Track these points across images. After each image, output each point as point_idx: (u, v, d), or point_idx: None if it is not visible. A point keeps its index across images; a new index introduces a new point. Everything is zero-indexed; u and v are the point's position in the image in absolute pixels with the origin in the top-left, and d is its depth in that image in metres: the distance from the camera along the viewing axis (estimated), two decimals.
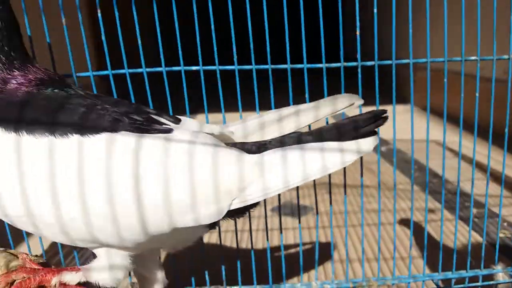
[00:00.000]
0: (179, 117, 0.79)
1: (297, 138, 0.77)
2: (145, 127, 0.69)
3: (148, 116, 0.73)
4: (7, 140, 0.63)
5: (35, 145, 0.63)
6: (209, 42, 0.90)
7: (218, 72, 0.95)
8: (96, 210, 0.64)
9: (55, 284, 0.70)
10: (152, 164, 0.66)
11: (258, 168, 0.70)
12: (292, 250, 1.39)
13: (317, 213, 1.06)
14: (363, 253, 1.07)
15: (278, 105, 0.85)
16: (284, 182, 0.70)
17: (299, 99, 0.89)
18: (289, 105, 0.85)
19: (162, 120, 0.74)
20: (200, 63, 0.93)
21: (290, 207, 1.75)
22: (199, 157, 0.69)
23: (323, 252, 1.30)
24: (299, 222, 1.06)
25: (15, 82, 0.70)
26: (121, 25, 0.90)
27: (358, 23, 0.93)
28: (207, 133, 0.75)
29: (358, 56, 0.95)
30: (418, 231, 1.40)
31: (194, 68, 0.95)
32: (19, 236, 1.06)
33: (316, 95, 0.88)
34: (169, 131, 0.70)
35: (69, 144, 0.64)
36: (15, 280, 0.71)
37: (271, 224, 1.53)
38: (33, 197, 0.63)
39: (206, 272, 1.04)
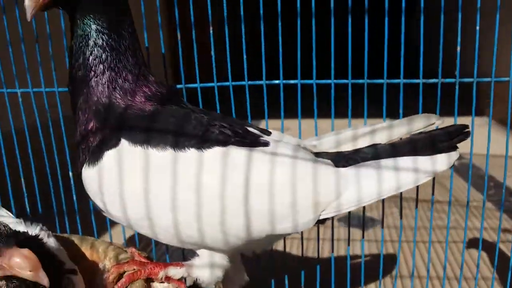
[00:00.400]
0: (264, 129, 0.84)
1: (381, 152, 0.77)
2: (247, 140, 0.75)
3: (245, 128, 0.78)
4: (135, 152, 0.71)
5: (159, 157, 0.71)
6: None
7: (299, 86, 0.97)
8: (209, 218, 0.71)
9: (162, 277, 0.78)
10: (261, 177, 0.72)
11: (352, 180, 0.73)
12: (357, 261, 1.39)
13: (382, 227, 1.06)
14: (428, 271, 1.05)
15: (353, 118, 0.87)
16: (377, 193, 0.73)
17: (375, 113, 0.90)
18: (363, 118, 0.87)
19: (256, 132, 0.80)
20: (281, 77, 0.97)
21: (357, 218, 1.74)
22: (301, 170, 0.73)
23: (388, 267, 1.30)
24: (363, 236, 1.07)
25: (142, 95, 0.77)
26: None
27: (459, 39, 0.92)
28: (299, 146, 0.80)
29: (457, 72, 0.93)
30: (489, 251, 1.35)
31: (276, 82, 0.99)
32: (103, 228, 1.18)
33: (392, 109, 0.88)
34: (267, 143, 0.76)
35: (188, 158, 0.71)
36: (125, 271, 0.79)
37: (337, 234, 1.54)
38: (154, 203, 0.71)
39: (273, 281, 1.07)
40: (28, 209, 1.16)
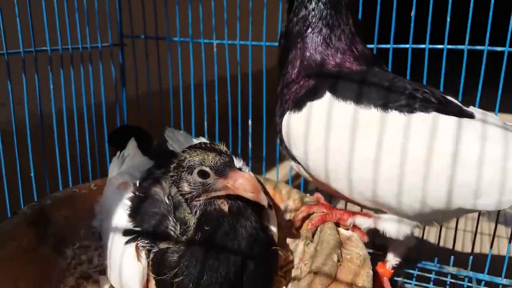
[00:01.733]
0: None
1: None
2: (451, 109, 0.74)
3: (445, 97, 0.77)
4: (341, 106, 0.74)
5: (366, 115, 0.73)
6: None
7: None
8: (409, 183, 0.71)
9: (350, 224, 0.82)
10: (469, 148, 0.70)
11: None
12: None
13: None
14: None
15: None
16: None
17: None
18: None
19: (456, 102, 0.78)
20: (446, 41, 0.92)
21: (503, 215, 1.62)
22: None
23: None
24: None
25: (350, 54, 0.81)
26: None
27: None
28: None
29: None
30: None
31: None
32: None
33: None
34: (472, 115, 0.74)
35: (395, 119, 0.72)
36: (313, 212, 0.85)
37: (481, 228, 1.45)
38: (357, 159, 0.73)
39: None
40: None
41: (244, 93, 1.17)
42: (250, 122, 1.22)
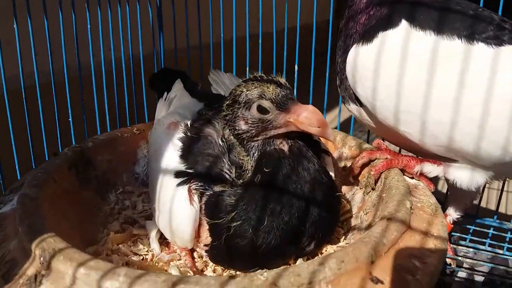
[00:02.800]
0: None
1: None
2: None
3: None
4: (419, 36, 0.66)
5: (448, 47, 0.64)
6: None
7: None
8: (493, 125, 0.63)
9: (417, 172, 0.74)
10: None
11: None
12: None
13: None
14: None
15: None
16: None
17: None
18: None
19: None
20: None
21: None
22: None
23: None
24: None
25: None
26: None
27: None
28: None
29: None
30: None
31: None
32: None
33: None
34: None
35: (481, 53, 0.63)
36: (375, 159, 0.78)
37: None
38: (435, 97, 0.64)
39: None
40: None
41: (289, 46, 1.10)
42: (296, 67, 1.14)
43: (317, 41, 1.17)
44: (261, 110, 0.64)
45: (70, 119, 0.96)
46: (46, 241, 0.54)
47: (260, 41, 1.12)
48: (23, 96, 0.86)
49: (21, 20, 0.84)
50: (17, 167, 0.88)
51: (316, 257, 0.66)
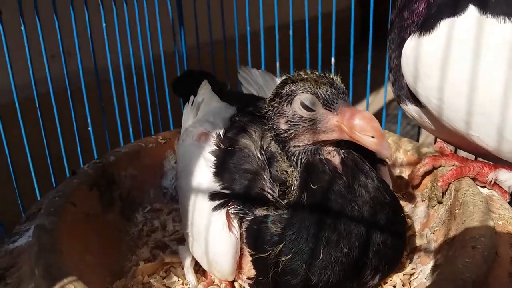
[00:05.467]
0: None
1: None
2: None
3: None
4: (491, 24, 0.55)
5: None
6: None
7: None
8: None
9: (491, 180, 0.63)
10: None
11: None
12: None
13: None
14: None
15: None
16: None
17: None
18: None
19: None
20: None
21: None
22: None
23: None
24: None
25: None
26: None
27: None
28: None
29: None
30: None
31: None
32: None
33: None
34: None
35: None
36: (440, 166, 0.66)
37: None
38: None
39: None
40: None
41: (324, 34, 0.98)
42: (333, 60, 1.02)
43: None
44: (305, 106, 0.54)
45: (90, 129, 0.88)
46: None
47: (291, 32, 1.01)
48: (37, 105, 0.78)
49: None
50: (35, 182, 0.80)
51: None
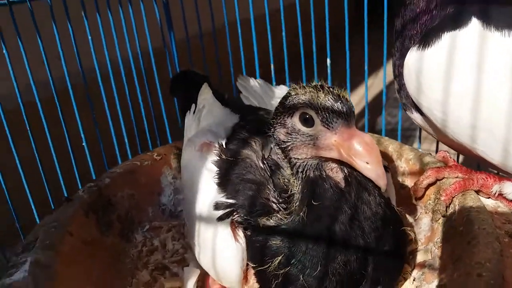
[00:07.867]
0: None
1: None
2: None
3: None
4: (494, 37, 0.53)
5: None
6: None
7: None
8: None
9: (495, 192, 0.61)
10: None
11: None
12: None
13: None
14: None
15: None
16: None
17: None
18: None
19: None
20: None
21: None
22: None
23: None
24: None
25: None
26: None
27: None
28: None
29: None
30: None
31: None
32: None
33: None
34: None
35: None
36: (443, 178, 0.65)
37: None
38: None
39: None
40: None
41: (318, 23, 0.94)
42: (328, 61, 1.00)
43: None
44: (303, 121, 0.53)
45: (84, 143, 0.86)
46: None
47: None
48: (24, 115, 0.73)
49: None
50: (32, 205, 0.78)
51: None
